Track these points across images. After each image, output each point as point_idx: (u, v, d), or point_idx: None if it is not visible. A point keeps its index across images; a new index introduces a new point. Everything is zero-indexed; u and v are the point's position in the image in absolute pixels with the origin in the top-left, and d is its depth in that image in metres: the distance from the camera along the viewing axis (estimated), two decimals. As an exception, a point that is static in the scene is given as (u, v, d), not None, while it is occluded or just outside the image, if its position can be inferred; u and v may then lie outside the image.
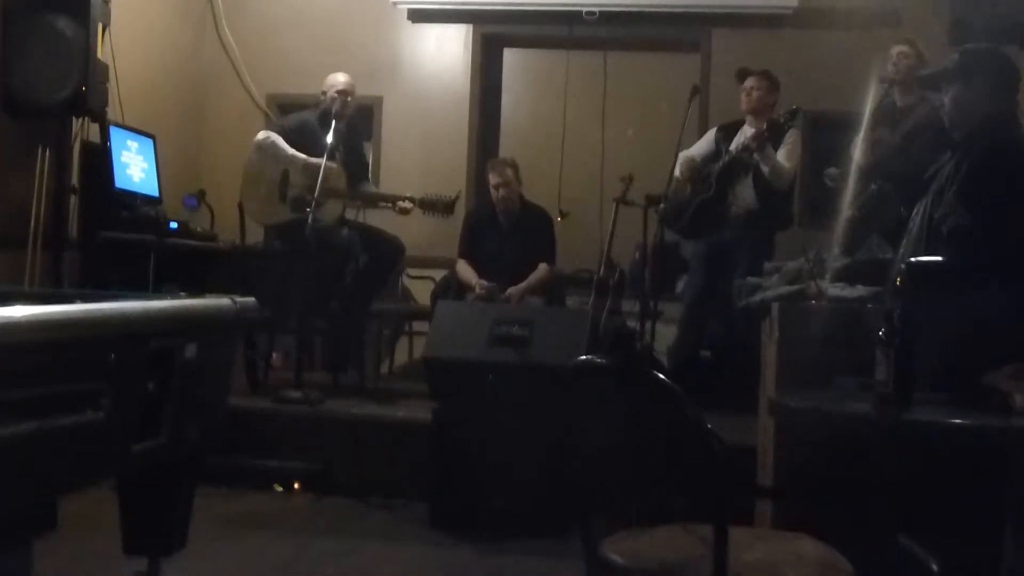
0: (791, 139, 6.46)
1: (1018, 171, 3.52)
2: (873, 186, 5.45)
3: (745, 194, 6.51)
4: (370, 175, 7.56)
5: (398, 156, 8.67)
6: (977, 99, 3.63)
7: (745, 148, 6.41)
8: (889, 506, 2.85)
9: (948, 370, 3.02)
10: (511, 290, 6.66)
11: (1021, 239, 3.39)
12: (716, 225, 6.56)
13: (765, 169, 6.37)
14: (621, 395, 2.57)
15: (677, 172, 6.67)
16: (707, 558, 2.35)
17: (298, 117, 7.04)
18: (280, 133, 6.75)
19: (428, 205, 6.60)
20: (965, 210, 3.48)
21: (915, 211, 3.77)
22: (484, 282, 6.69)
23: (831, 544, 2.61)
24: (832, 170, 6.24)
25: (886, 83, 6.00)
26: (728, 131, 6.74)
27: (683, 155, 6.72)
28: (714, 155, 6.67)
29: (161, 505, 3.87)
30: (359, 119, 7.09)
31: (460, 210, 7.05)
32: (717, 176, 6.53)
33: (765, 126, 6.34)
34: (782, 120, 6.30)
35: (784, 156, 6.44)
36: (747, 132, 6.56)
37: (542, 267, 6.80)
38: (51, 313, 2.78)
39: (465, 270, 6.84)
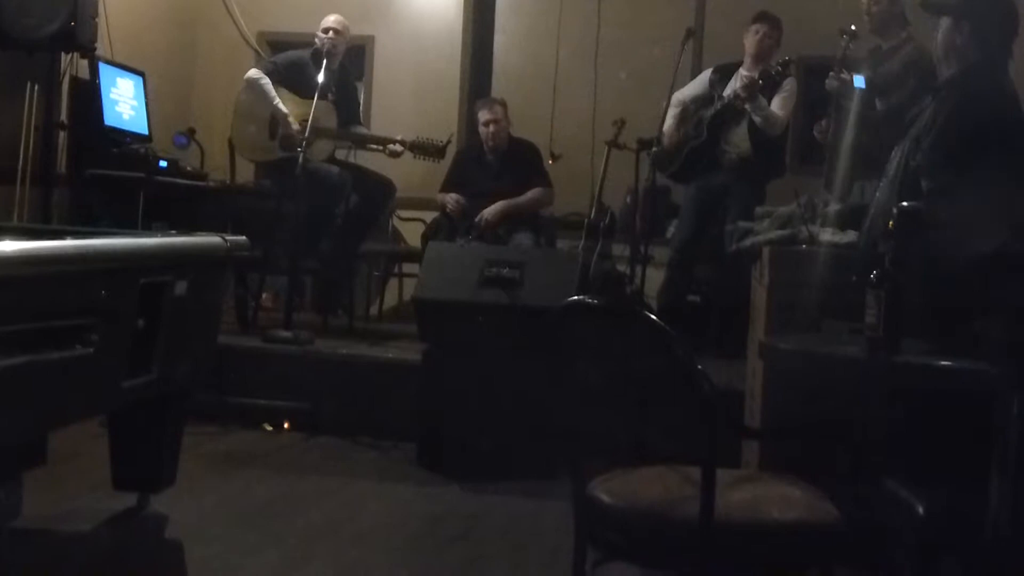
0: (788, 87, 6.42)
1: (992, 122, 3.49)
2: None
3: (739, 140, 6.48)
4: (361, 117, 7.51)
5: (390, 96, 8.63)
6: (964, 45, 3.60)
7: (736, 97, 6.37)
8: (876, 449, 2.87)
9: (938, 315, 3.02)
10: (484, 212, 6.66)
11: (997, 189, 3.38)
12: (708, 170, 6.53)
13: (757, 119, 6.35)
14: (611, 336, 2.57)
15: (669, 116, 6.65)
16: (695, 498, 2.36)
17: (292, 55, 7.00)
18: (272, 71, 6.71)
19: (419, 148, 6.60)
20: (941, 165, 3.47)
21: (893, 153, 3.75)
22: (454, 195, 6.71)
23: (818, 486, 2.63)
24: (823, 123, 6.20)
25: (850, 35, 5.89)
26: (724, 72, 6.69)
27: (675, 97, 6.70)
28: (707, 98, 6.63)
29: (150, 441, 3.90)
30: (352, 62, 7.06)
31: (451, 154, 7.03)
32: (709, 122, 6.50)
33: (757, 75, 6.30)
34: (774, 72, 6.26)
35: (779, 104, 6.40)
36: (743, 76, 6.52)
37: (532, 191, 6.80)
38: (41, 248, 2.78)
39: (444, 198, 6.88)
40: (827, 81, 5.89)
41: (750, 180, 6.46)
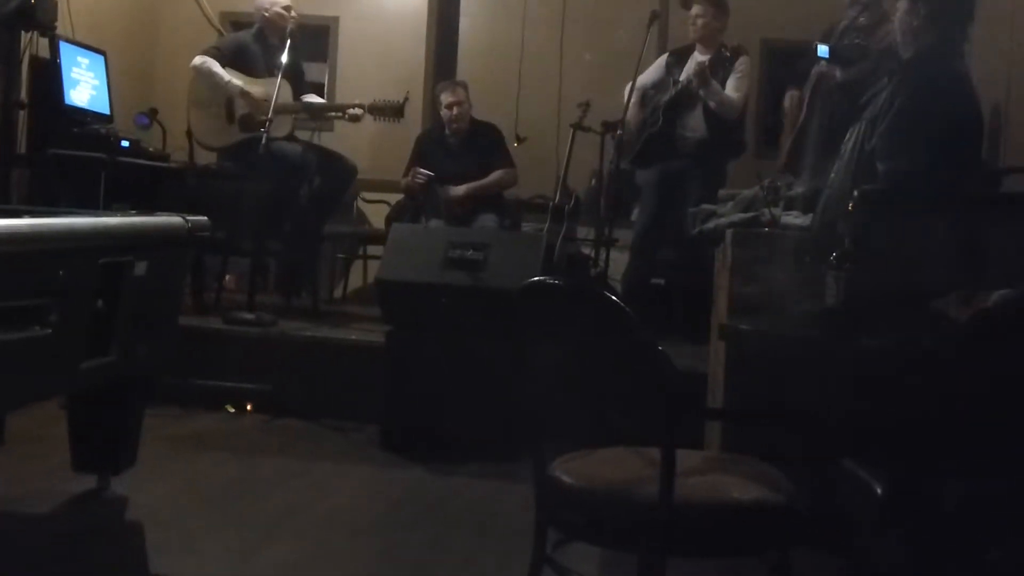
0: (741, 67, 6.41)
1: (947, 107, 3.52)
2: None
3: (695, 124, 6.48)
4: (324, 94, 7.49)
5: (353, 78, 8.58)
6: (920, 27, 3.62)
7: (689, 84, 6.36)
8: (836, 430, 2.88)
9: (897, 295, 3.04)
10: (449, 193, 6.67)
11: (954, 172, 3.40)
12: (667, 155, 6.53)
13: (712, 104, 6.35)
14: (572, 317, 2.57)
15: (632, 103, 6.66)
16: (654, 479, 2.36)
17: (234, 38, 7.00)
18: (217, 56, 6.67)
19: (378, 110, 6.57)
20: (897, 148, 3.48)
21: (848, 136, 3.77)
22: (421, 169, 6.72)
23: (778, 468, 2.64)
24: (793, 92, 6.15)
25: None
26: (679, 56, 6.69)
27: (636, 84, 6.72)
28: (665, 83, 6.64)
29: (111, 423, 3.88)
30: (317, 42, 7.02)
31: (413, 132, 7.01)
32: (664, 109, 6.49)
33: (708, 61, 6.29)
34: (724, 57, 6.24)
35: (733, 86, 6.40)
36: (697, 59, 6.52)
37: (496, 172, 6.82)
38: (-3, 227, 2.74)
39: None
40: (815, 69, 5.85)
41: (708, 163, 6.46)
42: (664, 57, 6.77)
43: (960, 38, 3.65)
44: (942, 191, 3.28)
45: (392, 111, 6.55)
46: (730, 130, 6.52)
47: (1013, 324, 2.73)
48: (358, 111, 6.61)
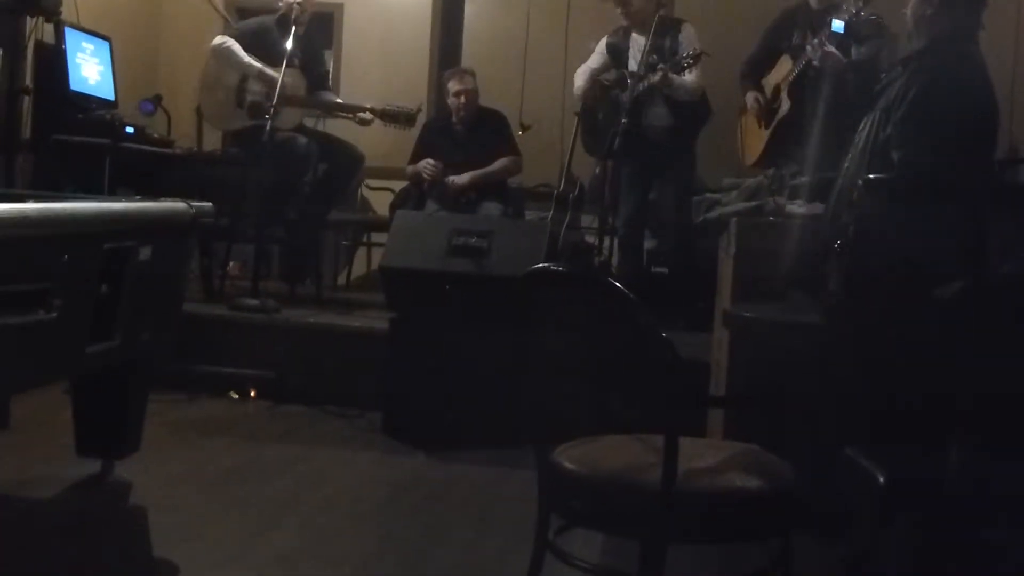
0: (686, 39, 6.32)
1: (962, 94, 3.51)
2: None
3: (660, 113, 6.43)
4: (330, 83, 7.47)
5: (359, 65, 8.58)
6: (934, 16, 3.61)
7: (653, 88, 6.31)
8: (838, 417, 2.89)
9: (899, 283, 3.04)
10: (454, 178, 6.66)
11: (967, 161, 3.40)
12: (639, 148, 6.49)
13: (678, 97, 6.31)
14: (576, 304, 2.57)
15: (578, 86, 6.66)
16: (657, 466, 2.37)
17: (256, 21, 6.93)
18: (237, 38, 6.65)
19: (389, 117, 6.53)
20: (913, 136, 3.48)
21: (862, 125, 3.76)
22: (431, 161, 6.70)
23: (780, 455, 2.64)
24: (759, 99, 6.12)
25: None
26: (618, 38, 6.63)
27: (579, 72, 6.69)
28: (607, 67, 6.60)
29: (114, 408, 3.89)
30: (318, 27, 7.00)
31: (421, 122, 7.00)
32: (627, 108, 6.44)
33: (669, 68, 6.21)
34: (685, 64, 6.19)
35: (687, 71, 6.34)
36: (638, 42, 6.42)
37: (501, 159, 6.81)
38: (2, 211, 2.74)
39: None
40: (808, 48, 5.78)
41: (680, 144, 6.44)
42: (604, 40, 6.70)
43: (974, 26, 3.64)
44: (956, 180, 3.27)
45: (404, 119, 6.51)
46: (693, 107, 6.46)
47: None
48: (368, 116, 6.57)
